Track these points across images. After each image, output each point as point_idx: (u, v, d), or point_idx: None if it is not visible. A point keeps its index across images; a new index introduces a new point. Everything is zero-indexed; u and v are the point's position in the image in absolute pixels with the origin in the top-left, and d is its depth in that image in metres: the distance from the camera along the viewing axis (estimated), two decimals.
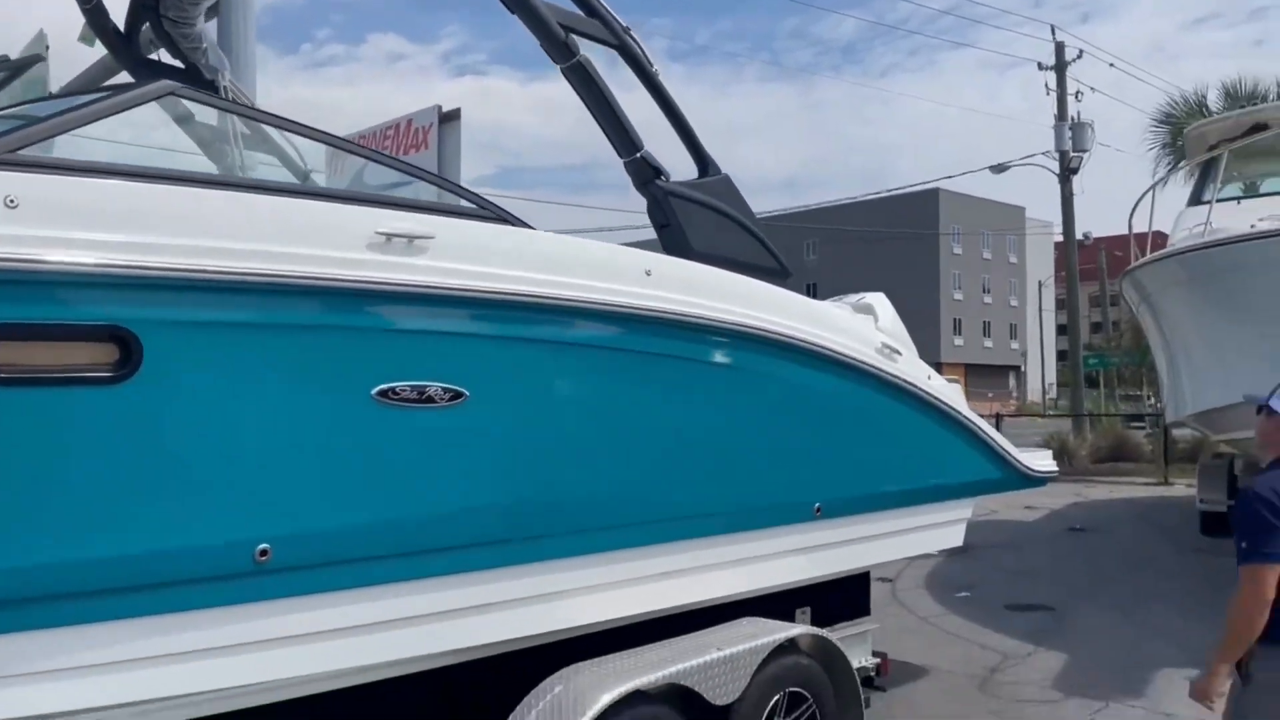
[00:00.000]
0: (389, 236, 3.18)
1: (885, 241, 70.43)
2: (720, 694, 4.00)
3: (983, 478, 5.95)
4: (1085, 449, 24.29)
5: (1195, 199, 11.16)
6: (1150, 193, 10.48)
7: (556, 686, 3.67)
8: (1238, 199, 10.88)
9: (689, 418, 4.20)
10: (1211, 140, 11.65)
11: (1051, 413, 40.70)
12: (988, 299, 75.36)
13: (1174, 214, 11.23)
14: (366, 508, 3.18)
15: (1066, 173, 29.55)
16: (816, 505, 4.79)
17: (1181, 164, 15.51)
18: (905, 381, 5.22)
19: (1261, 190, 11.54)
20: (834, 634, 5.27)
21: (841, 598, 5.75)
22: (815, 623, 5.56)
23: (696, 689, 3.92)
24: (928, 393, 5.39)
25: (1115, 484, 19.26)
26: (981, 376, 73.35)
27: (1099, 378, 37.48)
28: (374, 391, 3.15)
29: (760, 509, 4.53)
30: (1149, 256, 9.74)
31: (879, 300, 6.37)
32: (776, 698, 4.32)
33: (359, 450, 3.16)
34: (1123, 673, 6.64)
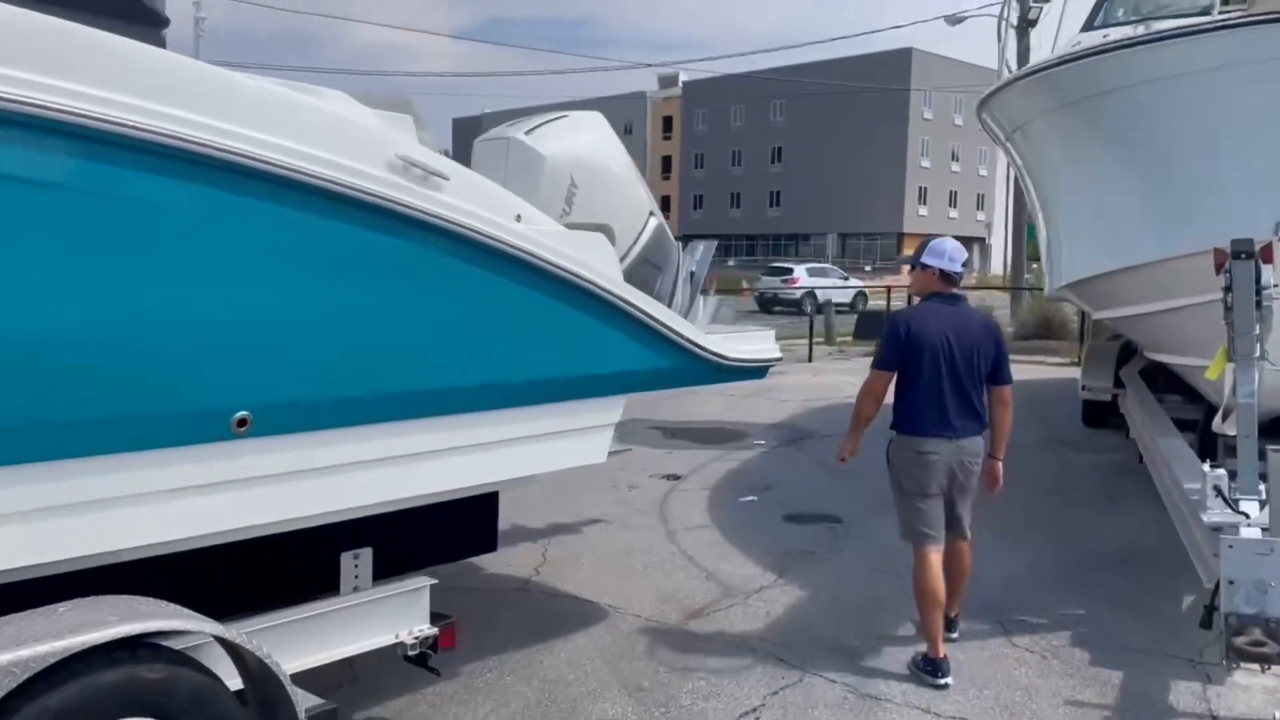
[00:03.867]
0: None
1: (854, 106, 67.35)
2: None
3: (632, 368, 4.18)
4: (1013, 325, 22.75)
5: (1089, 24, 9.10)
6: None
7: None
8: (1134, 22, 8.83)
9: None
10: None
11: (1005, 287, 39.13)
12: (956, 167, 72.73)
13: None
14: None
15: (1025, 25, 26.94)
16: (238, 416, 2.98)
17: None
18: (449, 221, 3.34)
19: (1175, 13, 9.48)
20: (266, 620, 3.47)
21: (432, 531, 4.08)
22: (381, 569, 3.91)
23: None
24: (507, 241, 3.53)
25: (1026, 364, 17.69)
26: None
27: None
28: None
29: (92, 425, 2.72)
30: (1006, 78, 7.75)
31: (550, 134, 4.60)
32: None
33: None
34: (854, 625, 5.03)
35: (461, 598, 5.24)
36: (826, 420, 11.38)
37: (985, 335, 4.65)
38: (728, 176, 76.30)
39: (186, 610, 2.90)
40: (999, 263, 65.92)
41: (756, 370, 4.80)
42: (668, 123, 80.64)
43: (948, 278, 4.65)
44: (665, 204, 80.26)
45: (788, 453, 9.57)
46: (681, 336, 4.28)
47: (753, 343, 4.80)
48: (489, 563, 5.92)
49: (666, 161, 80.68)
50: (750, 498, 7.71)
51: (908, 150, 68.95)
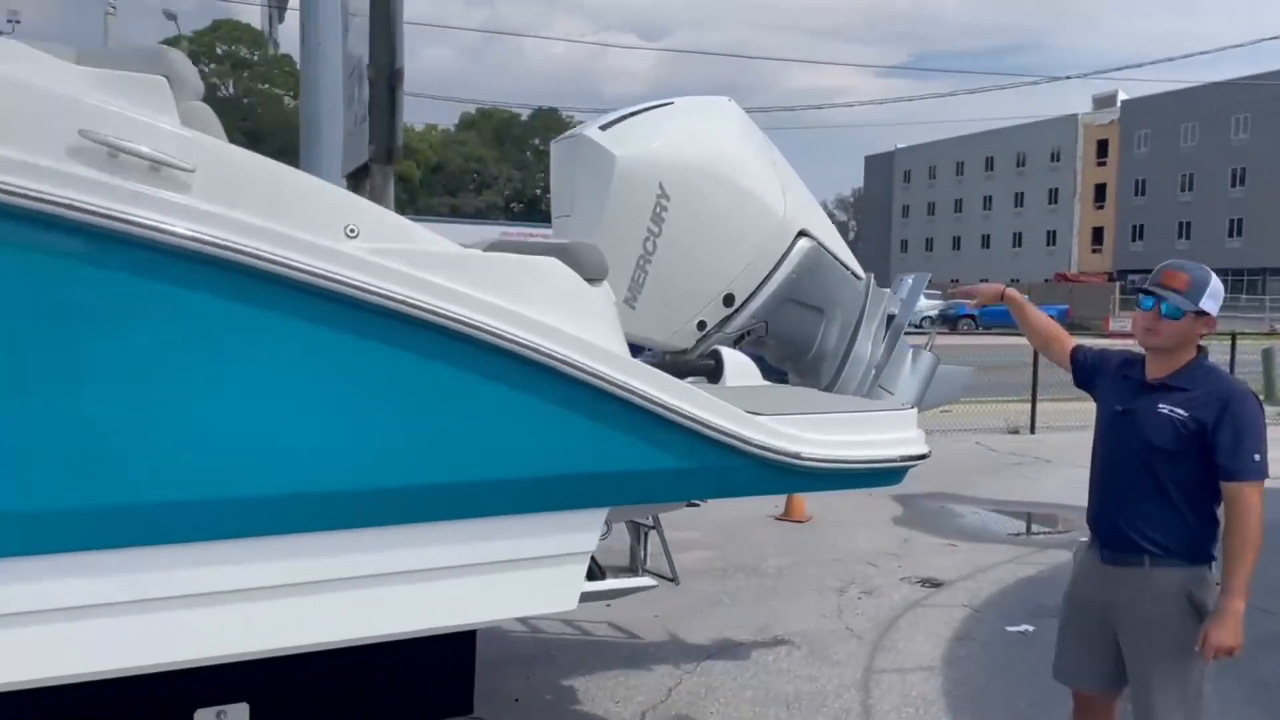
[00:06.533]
0: None
1: None
2: None
3: (606, 470, 2.64)
4: None
5: None
6: None
7: None
8: None
9: None
10: None
11: None
12: None
13: None
14: None
15: None
16: None
17: None
18: (180, 235, 2.11)
19: None
20: None
21: (355, 684, 2.91)
22: None
23: None
24: (293, 264, 2.22)
25: None
26: None
27: None
28: None
29: None
30: None
31: (633, 129, 3.57)
32: None
33: None
34: None
35: None
36: None
37: None
38: (1175, 204, 67.04)
39: None
40: None
41: (870, 475, 3.01)
42: (1102, 147, 72.71)
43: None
44: (1098, 236, 72.54)
45: None
46: (701, 422, 2.65)
47: (870, 431, 3.00)
48: (594, 693, 4.54)
49: (1100, 190, 72.76)
50: (1023, 627, 5.54)
51: None
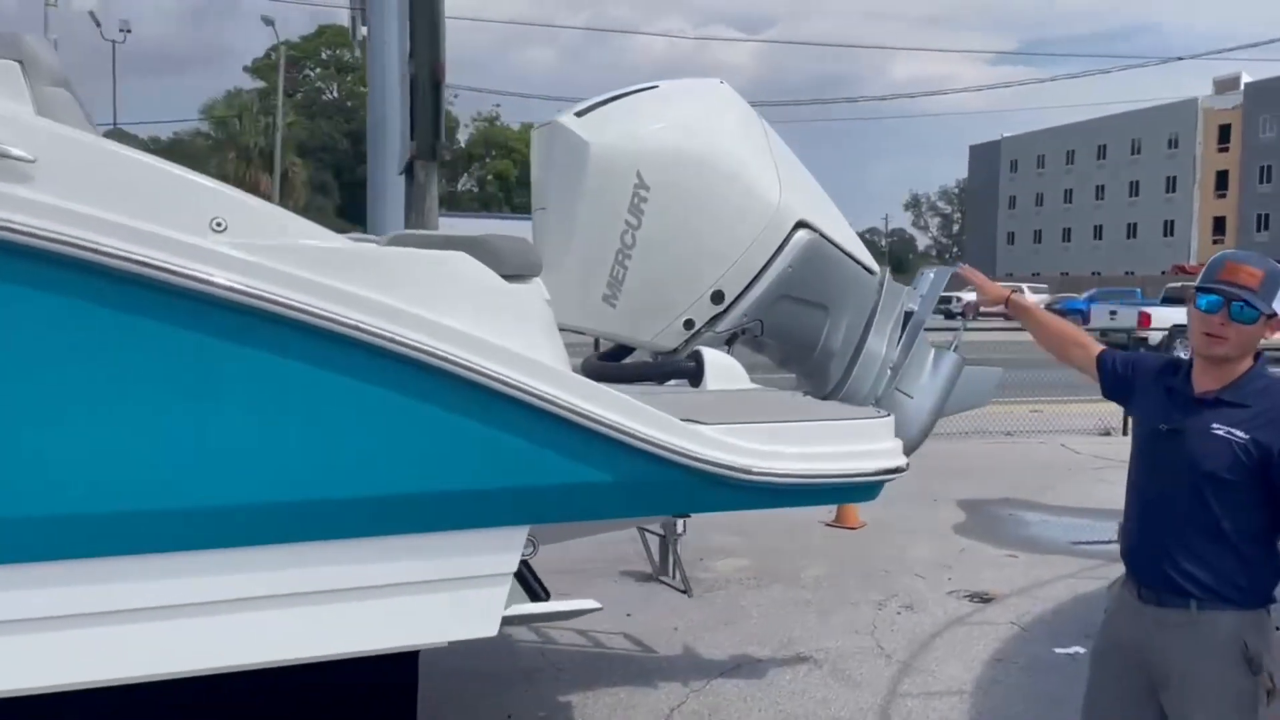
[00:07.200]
0: None
1: None
2: None
3: (522, 484, 2.41)
4: None
5: None
6: None
7: None
8: None
9: None
10: None
11: None
12: None
13: None
14: None
15: None
16: None
17: None
18: (19, 229, 1.96)
19: None
20: None
21: (270, 706, 2.78)
22: None
23: None
24: (140, 259, 2.05)
25: None
26: None
27: None
28: None
29: None
30: None
31: (611, 114, 3.36)
32: None
33: None
34: None
35: None
36: None
37: None
38: None
39: None
40: None
41: (837, 490, 2.71)
42: (1224, 132, 69.06)
43: None
44: (1219, 226, 68.96)
45: None
46: (627, 433, 2.40)
47: (838, 442, 2.69)
48: (590, 710, 4.32)
49: (1221, 177, 69.13)
50: (1074, 649, 5.09)
51: None
